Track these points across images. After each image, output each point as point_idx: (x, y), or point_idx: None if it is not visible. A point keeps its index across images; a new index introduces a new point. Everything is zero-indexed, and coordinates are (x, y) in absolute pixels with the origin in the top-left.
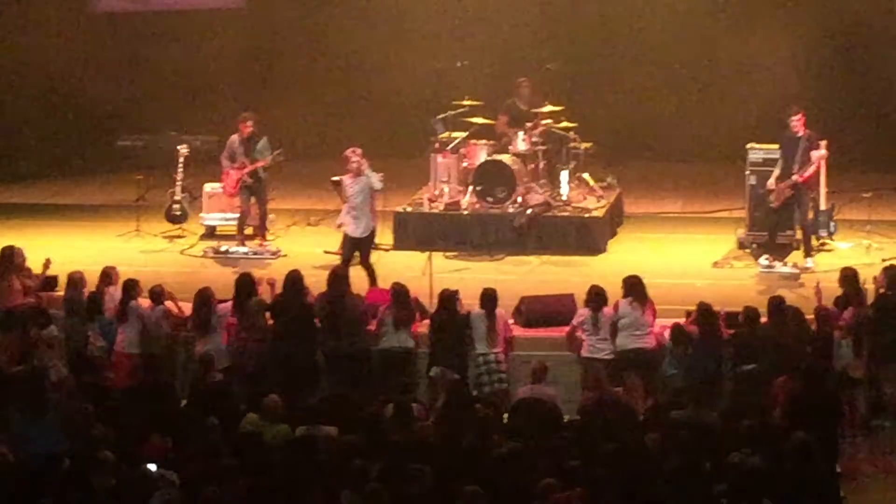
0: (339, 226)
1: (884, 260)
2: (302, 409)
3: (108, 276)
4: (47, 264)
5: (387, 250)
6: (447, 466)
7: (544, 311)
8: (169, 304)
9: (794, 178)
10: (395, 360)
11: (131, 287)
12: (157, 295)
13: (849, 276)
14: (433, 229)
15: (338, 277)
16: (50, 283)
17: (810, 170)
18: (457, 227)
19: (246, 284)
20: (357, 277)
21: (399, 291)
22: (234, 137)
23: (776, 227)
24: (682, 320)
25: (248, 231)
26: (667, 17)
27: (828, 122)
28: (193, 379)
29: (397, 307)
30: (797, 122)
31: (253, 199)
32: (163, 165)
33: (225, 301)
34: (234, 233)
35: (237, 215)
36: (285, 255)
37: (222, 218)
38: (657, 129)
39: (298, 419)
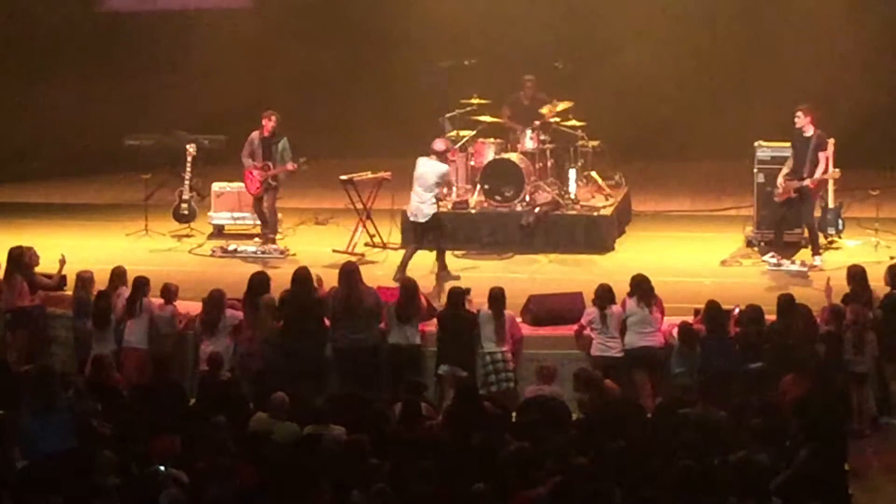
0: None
1: (892, 258)
2: (310, 408)
3: (118, 277)
4: (63, 262)
5: (395, 249)
6: (456, 465)
7: (552, 309)
8: (177, 303)
9: (806, 182)
10: (399, 356)
11: (142, 285)
12: (170, 293)
13: (856, 274)
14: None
15: (350, 272)
16: (61, 281)
17: (818, 174)
18: (465, 226)
19: (259, 282)
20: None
21: (407, 287)
22: (255, 135)
23: (781, 224)
24: (690, 318)
25: (257, 230)
26: (675, 16)
27: (839, 119)
28: (202, 378)
29: (404, 302)
30: (801, 121)
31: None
32: (171, 165)
33: (234, 300)
34: (242, 232)
35: (246, 214)
36: (293, 255)
37: (230, 217)
38: (665, 127)
39: (307, 418)
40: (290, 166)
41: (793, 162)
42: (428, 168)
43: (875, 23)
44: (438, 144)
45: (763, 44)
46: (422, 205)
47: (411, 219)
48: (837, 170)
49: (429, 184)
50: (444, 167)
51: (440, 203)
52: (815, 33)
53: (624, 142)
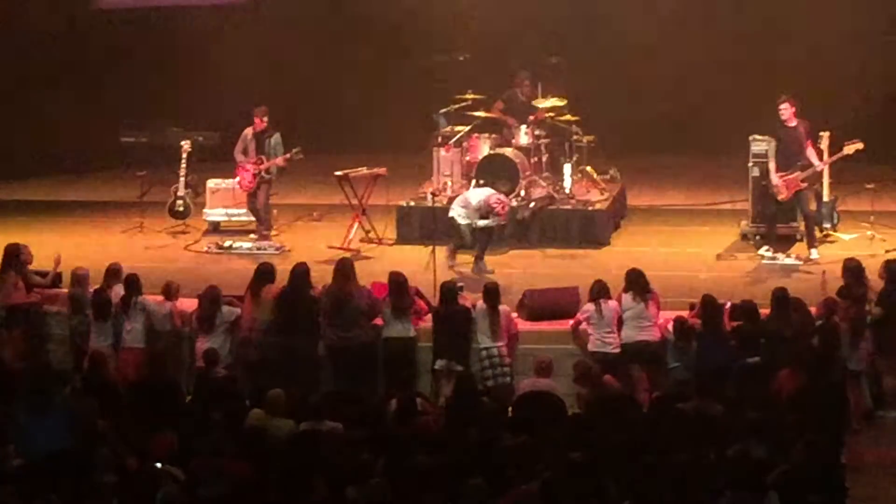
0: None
1: (887, 251)
2: (306, 404)
3: (114, 273)
4: (58, 260)
5: (390, 244)
6: (452, 460)
7: (548, 304)
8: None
9: (818, 167)
10: (395, 349)
11: (134, 282)
12: (171, 291)
13: (852, 268)
14: (436, 223)
15: (343, 269)
16: (55, 279)
17: (815, 160)
18: None
19: (265, 272)
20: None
21: (397, 281)
22: (248, 131)
23: (775, 218)
24: (685, 313)
25: (252, 226)
26: (670, 11)
27: (836, 114)
28: (197, 375)
29: (395, 296)
30: (787, 112)
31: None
32: (166, 161)
33: (230, 296)
34: (237, 228)
35: (241, 211)
36: (289, 250)
37: (225, 213)
38: (660, 121)
39: (303, 414)
40: (279, 160)
41: (781, 156)
42: (476, 192)
43: (874, 19)
44: (494, 200)
45: (760, 38)
46: (458, 199)
47: None
48: (859, 142)
49: (466, 199)
50: (482, 204)
51: (435, 197)
52: (813, 29)
53: (619, 137)
